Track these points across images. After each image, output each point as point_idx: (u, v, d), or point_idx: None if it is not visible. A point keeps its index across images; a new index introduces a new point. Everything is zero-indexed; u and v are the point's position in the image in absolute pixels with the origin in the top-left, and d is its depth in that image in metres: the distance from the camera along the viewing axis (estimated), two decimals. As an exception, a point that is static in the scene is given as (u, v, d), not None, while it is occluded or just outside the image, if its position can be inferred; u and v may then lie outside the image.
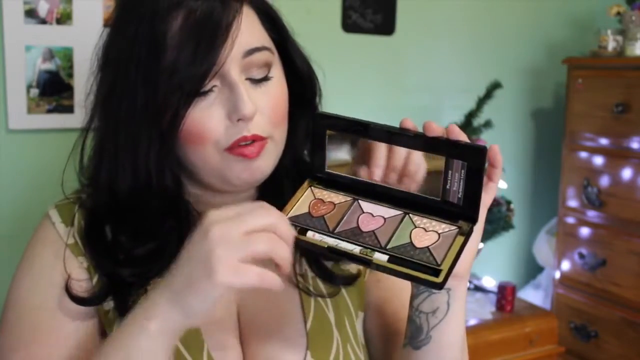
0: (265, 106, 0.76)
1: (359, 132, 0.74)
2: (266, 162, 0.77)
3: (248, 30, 0.75)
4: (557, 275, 2.33)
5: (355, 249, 0.68)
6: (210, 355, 0.77)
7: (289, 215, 0.74)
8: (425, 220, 0.70)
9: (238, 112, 0.72)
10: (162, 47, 0.71)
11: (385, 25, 2.09)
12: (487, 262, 2.32)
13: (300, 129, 0.85)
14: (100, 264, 0.78)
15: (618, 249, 2.12)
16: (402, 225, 0.70)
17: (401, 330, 0.82)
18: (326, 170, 0.77)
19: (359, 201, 0.74)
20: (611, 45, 2.15)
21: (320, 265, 0.86)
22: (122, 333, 0.66)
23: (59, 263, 0.79)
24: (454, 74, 2.27)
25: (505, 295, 2.03)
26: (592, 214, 2.20)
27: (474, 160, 0.67)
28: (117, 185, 0.77)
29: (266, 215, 0.64)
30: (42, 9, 1.53)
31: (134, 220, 0.77)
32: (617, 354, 2.14)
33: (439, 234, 0.68)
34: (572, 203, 2.26)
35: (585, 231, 2.23)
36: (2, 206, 1.57)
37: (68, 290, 0.77)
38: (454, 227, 0.69)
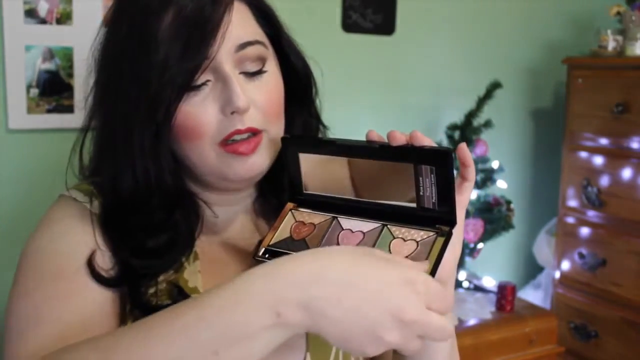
0: (260, 100, 0.75)
1: (328, 150, 0.74)
2: (262, 157, 0.76)
3: (240, 25, 0.74)
4: (557, 275, 2.32)
5: None
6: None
7: (272, 242, 0.74)
8: (403, 229, 0.69)
9: (231, 105, 0.72)
10: (154, 44, 0.71)
11: (385, 25, 2.09)
12: (487, 262, 2.32)
13: (297, 126, 0.85)
14: (117, 249, 0.75)
15: (618, 249, 2.12)
16: (381, 238, 0.70)
17: None
18: (304, 191, 0.77)
19: (338, 219, 0.74)
20: (611, 45, 2.15)
21: None
22: (217, 307, 0.56)
23: (86, 226, 0.74)
24: (454, 74, 2.27)
25: (505, 295, 2.03)
26: (592, 214, 2.20)
27: (440, 164, 0.66)
28: (120, 186, 0.76)
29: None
30: (42, 9, 1.53)
31: (141, 217, 0.76)
32: (617, 354, 2.13)
33: (417, 242, 0.67)
34: (572, 203, 2.26)
35: (585, 231, 2.23)
36: (1, 206, 1.57)
37: (91, 265, 0.72)
38: (432, 233, 0.67)
